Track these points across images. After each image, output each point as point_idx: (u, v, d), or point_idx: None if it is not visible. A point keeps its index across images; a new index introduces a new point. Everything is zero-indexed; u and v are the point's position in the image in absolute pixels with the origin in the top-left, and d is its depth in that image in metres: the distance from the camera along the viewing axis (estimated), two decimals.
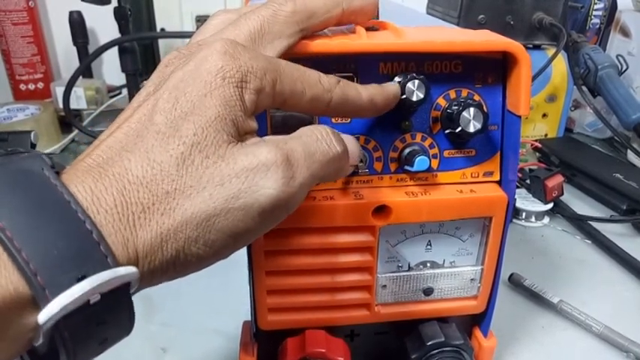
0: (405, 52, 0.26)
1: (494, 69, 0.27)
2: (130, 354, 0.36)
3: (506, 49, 0.25)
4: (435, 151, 0.28)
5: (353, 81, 0.26)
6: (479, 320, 0.32)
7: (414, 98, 0.25)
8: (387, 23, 0.27)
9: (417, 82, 0.25)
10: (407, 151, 0.27)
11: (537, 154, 0.67)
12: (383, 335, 0.32)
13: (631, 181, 0.56)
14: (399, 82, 0.25)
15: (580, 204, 0.58)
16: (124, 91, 0.82)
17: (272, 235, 0.27)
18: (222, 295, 0.42)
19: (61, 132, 0.74)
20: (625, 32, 0.81)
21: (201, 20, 0.82)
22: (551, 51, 0.69)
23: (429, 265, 0.30)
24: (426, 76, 0.25)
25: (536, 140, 0.67)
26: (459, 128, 0.26)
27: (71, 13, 0.79)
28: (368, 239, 0.28)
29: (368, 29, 0.26)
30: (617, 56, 0.75)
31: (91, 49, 0.78)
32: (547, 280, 0.44)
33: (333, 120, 0.27)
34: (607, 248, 0.49)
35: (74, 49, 0.82)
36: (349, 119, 0.27)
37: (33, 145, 0.60)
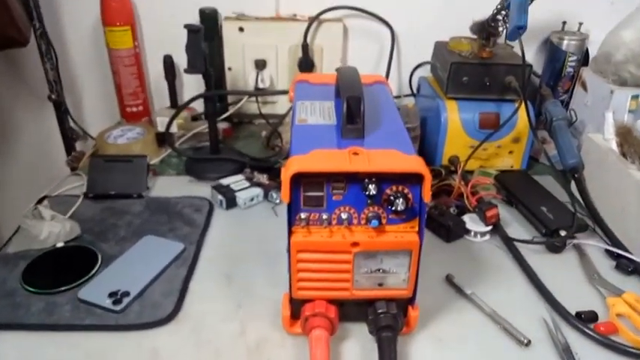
0: (370, 172, 0.52)
1: (416, 177, 0.53)
2: (216, 307, 0.66)
3: (419, 172, 0.52)
4: (384, 215, 0.55)
5: (343, 183, 0.53)
6: (410, 301, 0.60)
7: (371, 193, 0.52)
8: (363, 150, 0.54)
9: (373, 185, 0.52)
10: (370, 215, 0.54)
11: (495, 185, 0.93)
12: (358, 306, 0.60)
13: (549, 214, 0.81)
14: (365, 183, 0.52)
15: (517, 226, 0.84)
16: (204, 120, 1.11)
17: (301, 249, 0.55)
18: (271, 278, 0.71)
19: (157, 147, 1.04)
20: (584, 86, 1.03)
21: (259, 65, 1.10)
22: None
23: (381, 270, 0.57)
24: (381, 180, 0.52)
25: (494, 176, 0.92)
26: (394, 207, 0.53)
27: (165, 57, 1.08)
28: (348, 257, 0.55)
29: (352, 154, 0.53)
30: (569, 110, 0.98)
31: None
32: (471, 279, 0.70)
33: (334, 197, 0.54)
34: (518, 260, 0.74)
35: (163, 81, 1.11)
36: (341, 196, 0.54)
37: (148, 165, 0.90)
